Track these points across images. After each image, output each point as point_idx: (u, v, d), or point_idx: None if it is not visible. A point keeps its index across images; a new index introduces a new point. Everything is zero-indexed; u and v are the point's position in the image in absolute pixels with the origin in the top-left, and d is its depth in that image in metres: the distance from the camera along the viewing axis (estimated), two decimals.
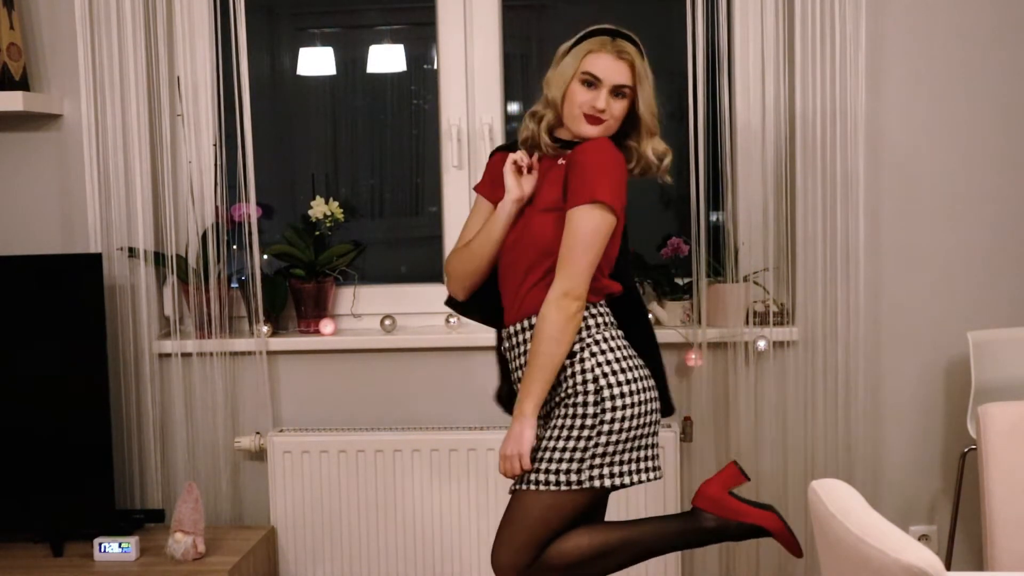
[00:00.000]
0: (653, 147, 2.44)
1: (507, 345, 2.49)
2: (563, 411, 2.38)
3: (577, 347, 2.38)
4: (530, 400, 2.35)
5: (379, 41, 4.08)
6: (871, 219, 3.18)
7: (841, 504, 1.70)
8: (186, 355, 3.28)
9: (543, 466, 2.37)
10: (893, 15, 3.16)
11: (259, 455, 3.32)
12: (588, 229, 2.32)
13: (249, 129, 3.21)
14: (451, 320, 3.28)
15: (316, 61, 4.13)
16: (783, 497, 3.20)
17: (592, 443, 2.36)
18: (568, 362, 2.37)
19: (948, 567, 2.98)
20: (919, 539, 3.11)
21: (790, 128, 3.18)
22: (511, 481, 2.43)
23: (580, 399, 2.36)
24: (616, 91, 2.39)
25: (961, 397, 3.16)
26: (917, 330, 3.24)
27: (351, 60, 4.13)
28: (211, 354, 3.26)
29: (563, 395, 2.39)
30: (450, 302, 2.64)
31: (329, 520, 3.24)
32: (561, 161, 2.43)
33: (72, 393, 3.14)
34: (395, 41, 4.08)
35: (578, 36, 2.44)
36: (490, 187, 2.55)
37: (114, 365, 3.23)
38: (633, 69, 2.40)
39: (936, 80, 3.19)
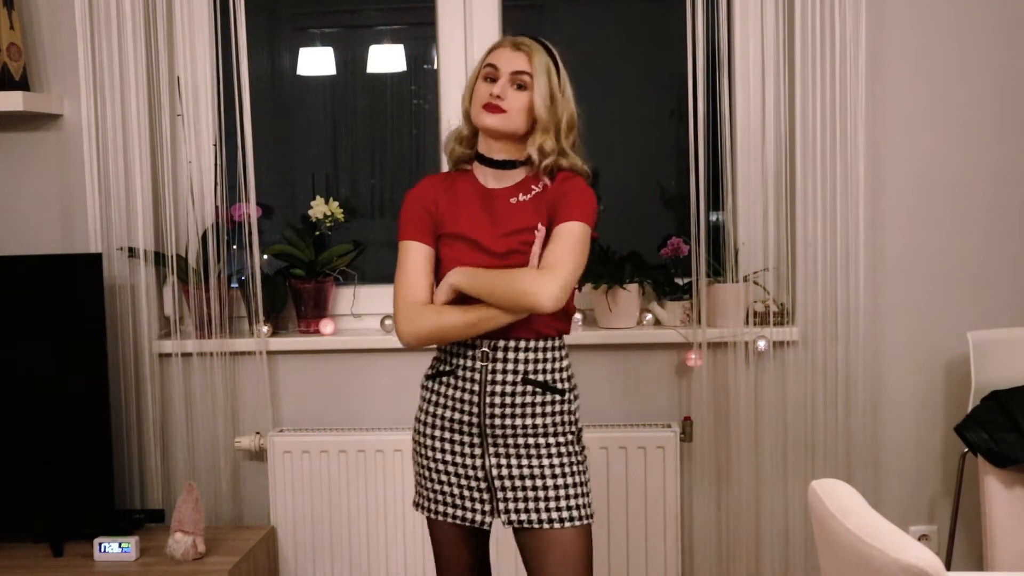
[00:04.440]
0: (540, 144, 2.31)
1: (484, 361, 2.32)
2: (561, 447, 2.35)
3: (568, 385, 2.38)
4: (469, 283, 2.27)
5: (379, 41, 4.09)
6: (871, 219, 3.18)
7: (841, 504, 1.70)
8: (186, 355, 3.28)
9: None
10: (893, 15, 3.16)
11: (259, 455, 3.32)
12: (577, 236, 2.27)
13: (249, 129, 3.21)
14: None
15: (316, 61, 4.14)
16: (783, 497, 3.21)
17: (587, 475, 2.41)
18: (560, 398, 2.35)
19: (948, 567, 2.98)
20: (919, 539, 3.10)
21: (790, 128, 3.18)
22: None
23: (572, 437, 2.37)
24: (516, 82, 2.31)
25: (961, 397, 3.16)
26: (917, 330, 3.24)
27: (351, 60, 4.13)
28: (211, 354, 3.26)
29: (553, 428, 2.35)
30: None
31: (329, 520, 3.24)
32: (536, 189, 2.34)
33: (72, 393, 3.14)
34: (395, 41, 4.09)
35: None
36: (425, 233, 2.37)
37: (114, 365, 3.23)
38: (531, 60, 2.32)
39: (936, 80, 3.19)
